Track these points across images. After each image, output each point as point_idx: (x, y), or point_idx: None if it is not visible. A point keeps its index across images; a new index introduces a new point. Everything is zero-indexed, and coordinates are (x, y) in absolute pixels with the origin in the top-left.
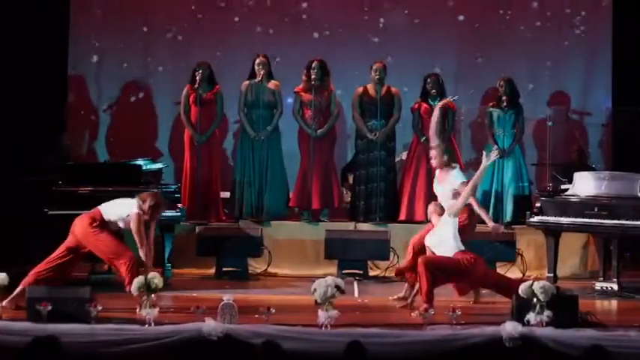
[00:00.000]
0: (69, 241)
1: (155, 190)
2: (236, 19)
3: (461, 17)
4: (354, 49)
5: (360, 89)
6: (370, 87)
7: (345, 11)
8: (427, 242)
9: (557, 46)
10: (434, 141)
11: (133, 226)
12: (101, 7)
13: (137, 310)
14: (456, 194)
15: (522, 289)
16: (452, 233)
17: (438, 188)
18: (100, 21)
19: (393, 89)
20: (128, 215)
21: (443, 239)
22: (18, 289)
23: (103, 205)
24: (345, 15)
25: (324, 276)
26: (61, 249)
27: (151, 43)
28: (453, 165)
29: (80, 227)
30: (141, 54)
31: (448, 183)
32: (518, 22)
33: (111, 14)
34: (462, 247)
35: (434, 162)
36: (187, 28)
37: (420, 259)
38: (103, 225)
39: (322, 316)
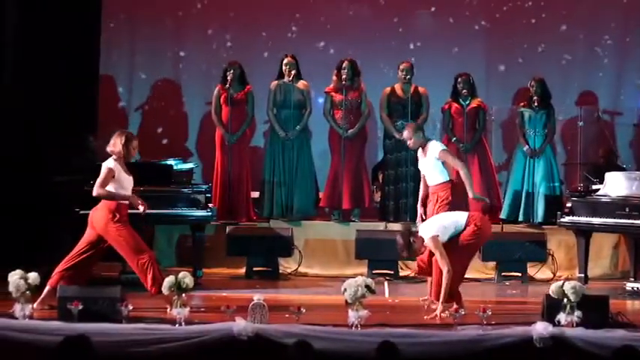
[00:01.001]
0: (89, 236)
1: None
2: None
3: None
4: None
5: (388, 89)
6: (398, 87)
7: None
8: (421, 233)
9: (588, 49)
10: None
11: (101, 180)
12: (133, 7)
13: (168, 309)
14: (438, 160)
15: (553, 289)
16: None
17: (421, 163)
18: (131, 21)
19: (421, 89)
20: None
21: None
22: (45, 290)
23: None
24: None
25: (354, 276)
26: (82, 245)
27: (181, 43)
28: (429, 139)
29: (100, 221)
30: (171, 54)
31: (429, 154)
32: (547, 29)
33: (142, 14)
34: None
35: (410, 143)
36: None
37: (434, 265)
38: (121, 214)
39: (352, 316)
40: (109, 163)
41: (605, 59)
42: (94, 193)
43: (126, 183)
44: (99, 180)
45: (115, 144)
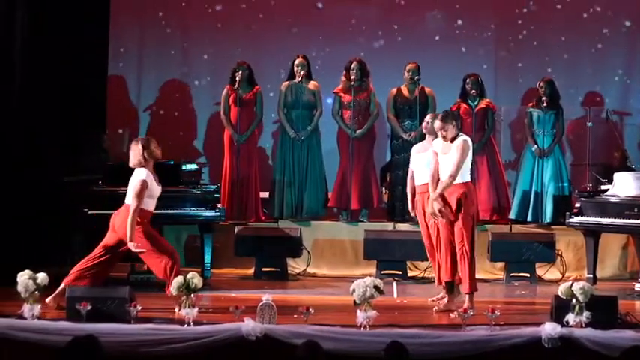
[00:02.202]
0: (108, 239)
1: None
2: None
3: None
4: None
5: (394, 90)
6: (404, 87)
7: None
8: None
9: (596, 47)
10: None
11: (135, 189)
12: (141, 7)
13: (176, 309)
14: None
15: (562, 289)
16: None
17: (443, 158)
18: (140, 21)
19: (427, 89)
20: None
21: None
22: (60, 287)
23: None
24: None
25: (363, 276)
26: (101, 248)
27: (190, 41)
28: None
29: (122, 225)
30: (180, 54)
31: (452, 150)
32: (557, 27)
33: (151, 14)
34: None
35: (446, 135)
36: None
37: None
38: (144, 219)
39: (361, 316)
40: (140, 175)
41: (614, 58)
42: (132, 209)
43: (155, 192)
44: (135, 195)
45: (135, 155)
